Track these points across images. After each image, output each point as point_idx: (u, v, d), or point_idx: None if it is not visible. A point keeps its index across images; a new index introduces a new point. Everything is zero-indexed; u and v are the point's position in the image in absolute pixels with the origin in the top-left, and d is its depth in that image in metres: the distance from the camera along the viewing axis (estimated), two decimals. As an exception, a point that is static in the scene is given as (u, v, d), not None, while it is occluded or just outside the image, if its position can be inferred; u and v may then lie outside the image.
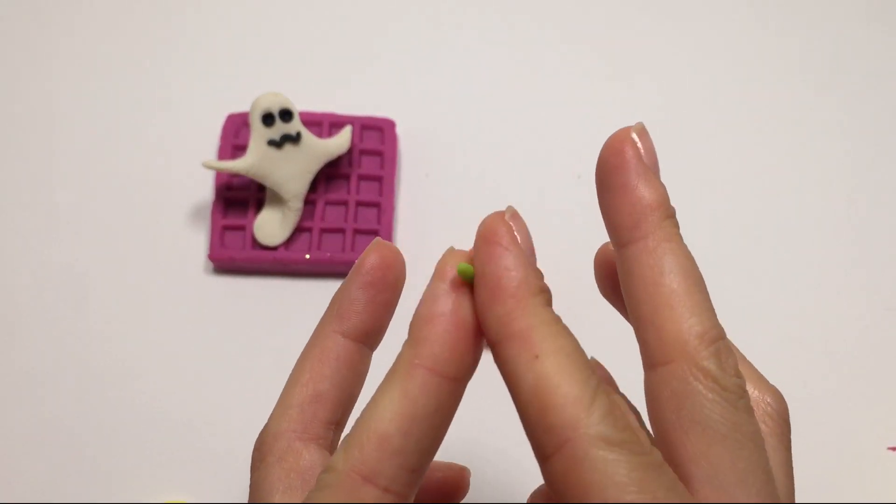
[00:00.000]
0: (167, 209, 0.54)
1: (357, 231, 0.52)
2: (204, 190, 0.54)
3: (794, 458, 0.48)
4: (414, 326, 0.25)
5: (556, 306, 0.54)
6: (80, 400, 0.49)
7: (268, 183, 0.51)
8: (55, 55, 0.59)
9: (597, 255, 0.29)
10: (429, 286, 0.26)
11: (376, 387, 0.26)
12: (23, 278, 0.52)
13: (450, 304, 0.25)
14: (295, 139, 0.51)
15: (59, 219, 0.54)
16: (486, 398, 0.51)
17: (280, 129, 0.51)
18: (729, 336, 0.55)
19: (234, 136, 0.55)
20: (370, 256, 0.28)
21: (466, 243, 0.53)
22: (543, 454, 0.23)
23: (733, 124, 0.58)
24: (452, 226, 0.54)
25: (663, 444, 0.24)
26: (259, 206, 0.53)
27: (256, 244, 0.52)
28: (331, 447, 0.27)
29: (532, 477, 0.27)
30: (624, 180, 0.26)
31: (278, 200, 0.52)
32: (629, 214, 0.26)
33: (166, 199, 0.54)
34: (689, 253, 0.26)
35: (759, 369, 0.51)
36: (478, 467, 0.48)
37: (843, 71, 0.60)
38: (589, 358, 0.32)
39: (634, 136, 0.27)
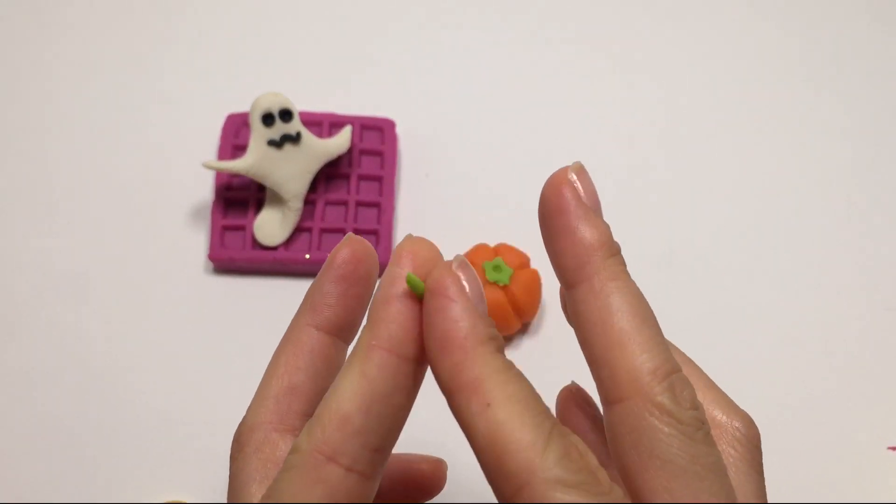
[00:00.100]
0: (167, 209, 0.54)
1: (357, 231, 0.52)
2: (204, 190, 0.54)
3: (793, 459, 0.48)
4: (371, 309, 0.26)
5: (558, 305, 0.54)
6: (80, 400, 0.49)
7: (268, 183, 0.51)
8: (55, 55, 0.59)
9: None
10: (386, 270, 0.26)
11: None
12: (23, 278, 0.52)
13: (405, 287, 0.25)
14: (295, 139, 0.51)
15: (59, 219, 0.54)
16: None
17: (280, 129, 0.51)
18: (729, 336, 0.55)
19: (234, 136, 0.55)
20: (342, 251, 0.28)
21: (467, 243, 0.53)
22: (503, 498, 0.23)
23: (733, 124, 0.58)
24: (452, 226, 0.54)
25: (626, 479, 0.25)
26: (259, 206, 0.53)
27: (256, 244, 0.52)
28: None
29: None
30: (565, 222, 0.27)
31: (278, 200, 0.52)
32: (573, 257, 0.26)
33: (166, 199, 0.54)
34: (636, 289, 0.26)
35: (760, 369, 0.51)
36: (460, 461, 0.48)
37: (843, 71, 0.60)
38: (570, 383, 0.32)
39: (573, 175, 0.27)
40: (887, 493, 0.48)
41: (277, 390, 0.28)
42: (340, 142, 0.53)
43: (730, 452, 0.27)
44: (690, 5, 0.62)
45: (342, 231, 0.52)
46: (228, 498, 0.27)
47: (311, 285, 0.29)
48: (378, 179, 0.54)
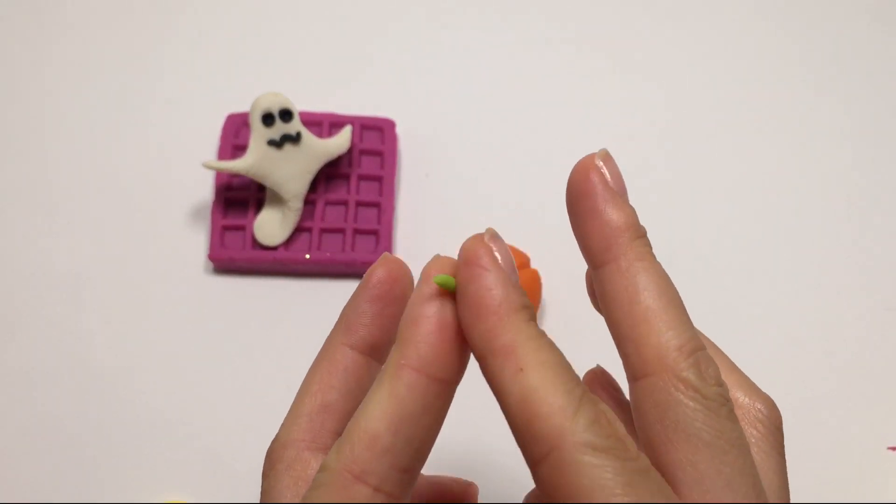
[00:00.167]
0: (167, 209, 0.54)
1: (357, 231, 0.52)
2: (204, 190, 0.54)
3: (793, 459, 0.48)
4: (401, 328, 0.26)
5: (558, 305, 0.54)
6: (79, 400, 0.49)
7: (268, 183, 0.51)
8: (55, 55, 0.59)
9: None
10: (415, 290, 0.27)
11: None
12: (22, 278, 0.52)
13: (435, 307, 0.26)
14: (295, 139, 0.51)
15: (59, 219, 0.54)
16: (481, 398, 0.51)
17: (280, 129, 0.51)
18: (729, 336, 0.55)
19: (234, 136, 0.55)
20: (377, 270, 0.29)
21: (466, 243, 0.53)
22: (533, 461, 0.24)
23: (734, 124, 0.58)
24: (452, 226, 0.54)
25: (650, 453, 0.25)
26: (259, 206, 0.53)
27: (256, 244, 0.52)
28: None
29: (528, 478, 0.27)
30: (592, 205, 0.27)
31: (278, 200, 0.52)
32: (600, 238, 0.27)
33: (166, 199, 0.54)
34: (662, 270, 0.27)
35: (760, 369, 0.51)
36: (475, 468, 0.48)
37: (843, 71, 0.60)
38: (595, 366, 0.32)
39: (599, 162, 0.28)
40: (887, 493, 0.48)
41: (310, 408, 0.28)
42: (340, 142, 0.53)
43: (751, 433, 0.28)
44: (690, 5, 0.62)
45: (342, 231, 0.52)
46: None
47: (346, 304, 0.29)
48: (378, 179, 0.54)
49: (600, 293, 0.27)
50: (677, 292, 0.27)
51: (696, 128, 0.58)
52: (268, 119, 0.50)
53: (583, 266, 0.56)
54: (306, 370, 0.50)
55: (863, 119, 0.58)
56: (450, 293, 0.26)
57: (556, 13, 0.61)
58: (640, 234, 0.27)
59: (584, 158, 0.28)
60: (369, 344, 0.29)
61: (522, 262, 0.50)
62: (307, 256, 0.52)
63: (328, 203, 0.53)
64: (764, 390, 0.51)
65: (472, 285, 0.25)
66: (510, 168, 0.56)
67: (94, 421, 0.49)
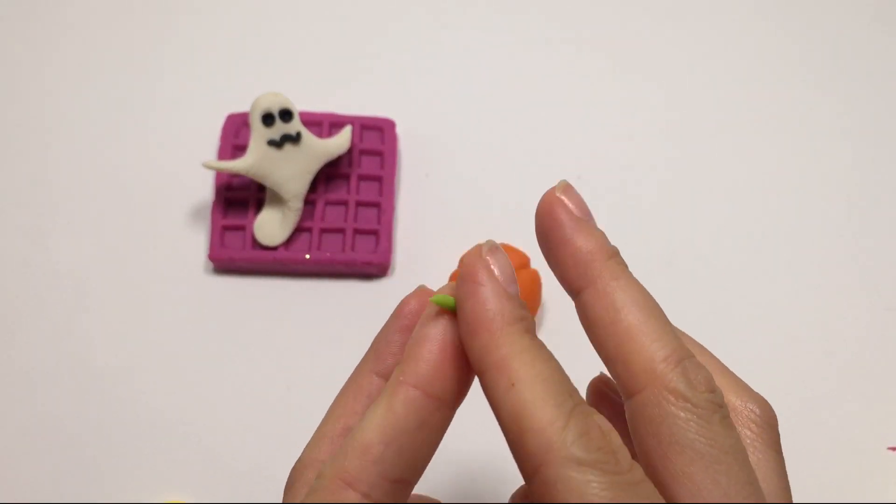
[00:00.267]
0: (167, 209, 0.54)
1: (357, 231, 0.52)
2: (204, 190, 0.54)
3: (794, 459, 0.48)
4: (406, 348, 0.27)
5: (558, 305, 0.54)
6: (79, 400, 0.49)
7: (268, 183, 0.51)
8: (54, 55, 0.59)
9: (589, 387, 0.32)
10: (424, 313, 0.27)
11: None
12: (23, 278, 0.52)
13: (439, 328, 0.26)
14: (295, 139, 0.51)
15: (59, 219, 0.54)
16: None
17: (280, 129, 0.51)
18: (729, 336, 0.55)
19: (234, 136, 0.55)
20: (411, 301, 0.30)
21: (467, 243, 0.53)
22: (525, 476, 0.24)
23: (734, 124, 0.58)
24: (452, 226, 0.54)
25: (648, 469, 0.25)
26: (259, 206, 0.53)
27: (256, 244, 0.52)
28: None
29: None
30: (561, 236, 0.28)
31: (278, 200, 0.52)
32: (574, 266, 0.27)
33: (166, 199, 0.54)
34: (638, 285, 0.27)
35: (760, 369, 0.51)
36: (465, 467, 0.48)
37: (843, 71, 0.60)
38: (599, 374, 0.32)
39: (560, 195, 0.29)
40: (887, 493, 0.48)
41: (333, 431, 0.29)
42: (340, 142, 0.53)
43: (746, 434, 0.28)
44: (691, 5, 0.62)
45: (342, 231, 0.52)
46: None
47: (378, 332, 0.30)
48: (378, 179, 0.54)
49: (583, 319, 0.27)
50: (657, 304, 0.27)
51: (696, 128, 0.58)
52: (268, 119, 0.50)
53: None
54: (306, 370, 0.50)
55: (863, 119, 0.58)
56: (452, 313, 0.26)
57: (556, 13, 0.61)
58: (612, 254, 0.28)
59: (545, 194, 0.29)
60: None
61: (522, 262, 0.50)
62: (307, 256, 0.52)
63: (328, 203, 0.53)
64: (764, 389, 0.51)
65: (468, 301, 0.26)
66: (510, 168, 0.56)
67: (94, 421, 0.49)
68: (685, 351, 0.26)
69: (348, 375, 0.52)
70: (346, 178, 0.54)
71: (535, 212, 0.28)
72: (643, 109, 0.58)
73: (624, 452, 0.24)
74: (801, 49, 0.61)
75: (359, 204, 0.53)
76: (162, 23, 0.60)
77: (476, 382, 0.27)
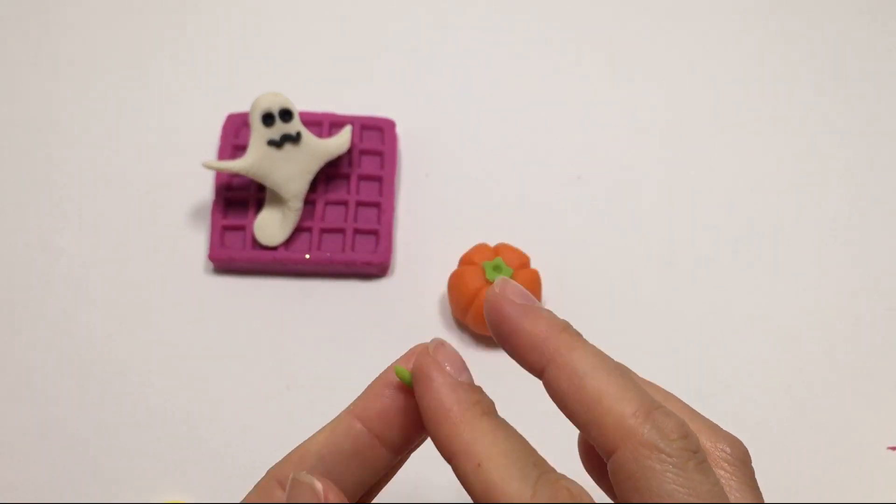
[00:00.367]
0: (167, 209, 0.54)
1: (357, 231, 0.52)
2: (204, 190, 0.54)
3: (794, 459, 0.48)
4: (370, 383, 0.30)
5: (558, 305, 0.54)
6: (79, 400, 0.49)
7: (268, 183, 0.51)
8: (54, 55, 0.59)
9: (578, 439, 0.33)
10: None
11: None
12: (23, 278, 0.52)
13: (396, 380, 0.29)
14: (295, 139, 0.51)
15: (59, 219, 0.54)
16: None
17: (280, 129, 0.51)
18: (729, 336, 0.55)
19: (234, 136, 0.55)
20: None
21: (467, 243, 0.53)
22: None
23: (734, 124, 0.58)
24: (452, 226, 0.54)
25: None
26: (259, 206, 0.53)
27: (256, 244, 0.52)
28: None
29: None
30: (511, 327, 0.29)
31: (278, 200, 0.52)
32: (531, 349, 0.29)
33: (166, 199, 0.54)
34: (595, 350, 0.29)
35: (760, 369, 0.51)
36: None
37: (843, 71, 0.60)
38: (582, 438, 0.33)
39: (499, 290, 0.30)
40: (887, 493, 0.48)
41: (299, 455, 0.30)
42: (340, 142, 0.53)
43: (721, 474, 0.28)
44: (691, 6, 0.62)
45: (342, 231, 0.52)
46: None
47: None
48: (378, 179, 0.54)
49: (552, 395, 0.28)
50: (617, 363, 0.28)
51: (696, 127, 0.58)
52: (268, 119, 0.50)
53: (582, 266, 0.56)
54: (306, 370, 0.50)
55: (863, 119, 0.58)
56: (409, 388, 0.29)
57: (556, 13, 0.61)
58: (563, 327, 0.29)
59: (486, 295, 0.30)
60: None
61: (522, 262, 0.50)
62: (307, 256, 0.52)
63: (328, 203, 0.53)
64: (764, 389, 0.52)
65: (425, 398, 0.28)
66: (510, 168, 0.56)
67: (94, 420, 0.49)
68: (652, 402, 0.27)
69: (348, 375, 0.52)
70: (346, 178, 0.54)
71: (485, 316, 0.30)
72: (643, 109, 0.58)
73: None
74: (802, 49, 0.61)
75: (359, 204, 0.53)
76: (162, 23, 0.60)
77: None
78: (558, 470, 0.27)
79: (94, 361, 0.50)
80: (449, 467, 0.27)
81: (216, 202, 0.53)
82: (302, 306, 0.52)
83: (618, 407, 0.26)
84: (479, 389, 0.28)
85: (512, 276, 0.49)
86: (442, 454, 0.27)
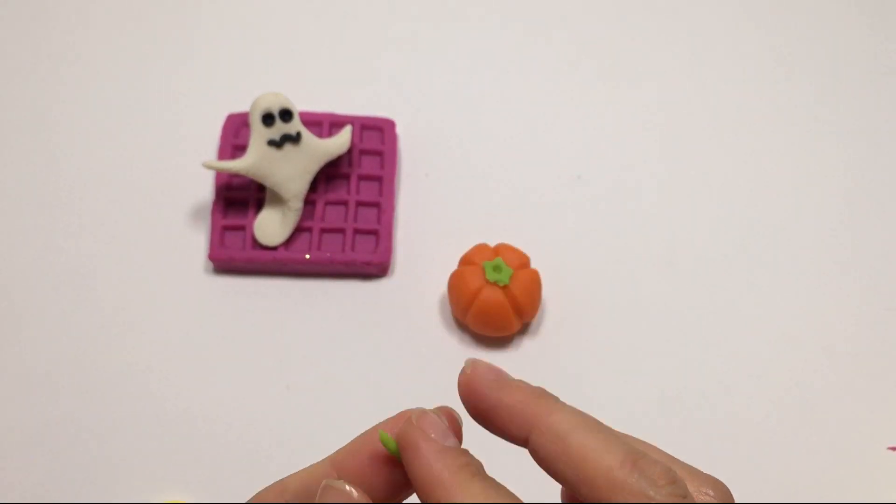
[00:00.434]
0: (167, 209, 0.54)
1: (357, 231, 0.52)
2: (204, 190, 0.54)
3: (794, 459, 0.48)
4: (357, 437, 0.31)
5: (558, 305, 0.54)
6: (79, 400, 0.49)
7: (268, 183, 0.51)
8: (55, 55, 0.59)
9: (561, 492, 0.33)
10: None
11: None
12: (23, 278, 0.52)
13: (377, 437, 0.30)
14: (295, 139, 0.51)
15: (60, 218, 0.54)
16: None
17: (280, 129, 0.51)
18: (729, 336, 0.55)
19: (234, 136, 0.55)
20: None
21: (467, 243, 0.53)
22: None
23: (734, 125, 0.58)
24: (452, 226, 0.54)
25: None
26: (259, 206, 0.53)
27: (256, 244, 0.52)
28: None
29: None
30: (489, 404, 0.30)
31: (278, 200, 0.52)
32: (512, 421, 0.29)
33: (166, 199, 0.54)
34: (572, 409, 0.29)
35: (760, 369, 0.51)
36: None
37: (842, 71, 0.60)
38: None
39: (471, 372, 0.31)
40: (887, 493, 0.48)
41: (276, 488, 0.31)
42: (340, 142, 0.53)
43: None
44: (692, 6, 0.62)
45: (342, 231, 0.52)
46: None
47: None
48: (378, 179, 0.54)
49: (539, 462, 0.29)
50: (596, 420, 0.29)
51: (696, 128, 0.58)
52: (268, 119, 0.50)
53: (582, 265, 0.56)
54: (306, 370, 0.50)
55: (863, 119, 0.58)
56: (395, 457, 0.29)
57: (556, 13, 0.61)
58: (539, 394, 0.30)
59: (459, 378, 0.31)
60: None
61: (522, 262, 0.50)
62: (307, 256, 0.52)
63: (328, 203, 0.53)
64: (764, 389, 0.52)
65: (414, 468, 0.28)
66: (510, 168, 0.56)
67: (94, 420, 0.49)
68: (637, 451, 0.27)
69: (348, 375, 0.53)
70: (346, 178, 0.54)
71: (460, 399, 0.31)
72: (643, 109, 0.58)
73: None
74: (801, 49, 0.61)
75: (359, 204, 0.53)
76: (162, 23, 0.60)
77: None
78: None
79: (94, 361, 0.50)
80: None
81: (216, 202, 0.53)
82: (302, 306, 0.52)
83: (604, 461, 0.27)
84: (466, 452, 0.29)
85: (512, 276, 0.49)
86: None
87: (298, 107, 0.52)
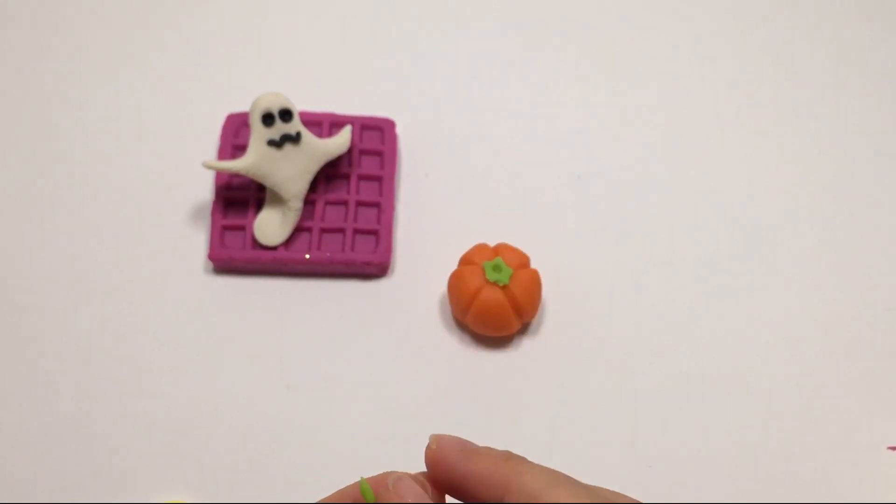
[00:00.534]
0: (167, 209, 0.54)
1: (357, 231, 0.52)
2: (204, 190, 0.54)
3: (794, 459, 0.48)
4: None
5: (558, 305, 0.54)
6: (79, 400, 0.49)
7: (268, 183, 0.51)
8: (55, 55, 0.59)
9: None
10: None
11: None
12: (23, 277, 0.52)
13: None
14: (295, 139, 0.51)
15: (60, 219, 0.54)
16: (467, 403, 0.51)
17: (280, 129, 0.51)
18: (729, 336, 0.54)
19: (234, 136, 0.55)
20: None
21: (467, 243, 0.53)
22: None
23: (734, 125, 0.58)
24: (452, 226, 0.54)
25: None
26: (259, 206, 0.53)
27: (256, 244, 0.52)
28: None
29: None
30: (459, 474, 0.31)
31: (278, 200, 0.52)
32: (486, 486, 0.30)
33: (166, 199, 0.54)
34: (541, 467, 0.30)
35: (760, 370, 0.51)
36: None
37: (841, 71, 0.60)
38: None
39: (436, 447, 0.31)
40: (887, 493, 0.48)
41: None
42: (340, 142, 0.53)
43: None
44: (692, 7, 0.62)
45: (342, 231, 0.52)
46: None
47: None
48: (378, 179, 0.54)
49: None
50: (565, 475, 0.30)
51: (696, 128, 0.58)
52: (268, 119, 0.50)
53: (581, 265, 0.56)
54: (306, 370, 0.50)
55: (863, 119, 0.58)
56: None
57: (556, 14, 0.61)
58: (506, 457, 0.31)
59: (426, 455, 0.32)
60: None
61: (522, 262, 0.50)
62: (307, 256, 0.52)
63: (328, 203, 0.53)
64: (765, 389, 0.52)
65: None
66: (510, 168, 0.56)
67: (94, 420, 0.49)
68: (605, 498, 0.29)
69: (348, 375, 0.53)
70: (346, 178, 0.54)
71: (428, 473, 0.32)
72: (643, 109, 0.58)
73: None
74: (800, 49, 0.61)
75: (359, 204, 0.53)
76: (162, 23, 0.60)
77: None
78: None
79: (94, 361, 0.50)
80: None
81: (216, 202, 0.53)
82: (302, 306, 0.52)
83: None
84: (442, 498, 0.30)
85: (512, 276, 0.49)
86: None
87: (298, 107, 0.52)
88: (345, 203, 0.53)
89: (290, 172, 0.51)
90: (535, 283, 0.50)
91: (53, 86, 0.58)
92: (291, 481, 0.47)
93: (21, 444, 0.48)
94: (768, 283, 0.53)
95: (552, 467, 0.30)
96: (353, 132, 0.54)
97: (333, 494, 0.32)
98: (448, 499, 0.32)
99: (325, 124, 0.55)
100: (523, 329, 0.51)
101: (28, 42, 0.59)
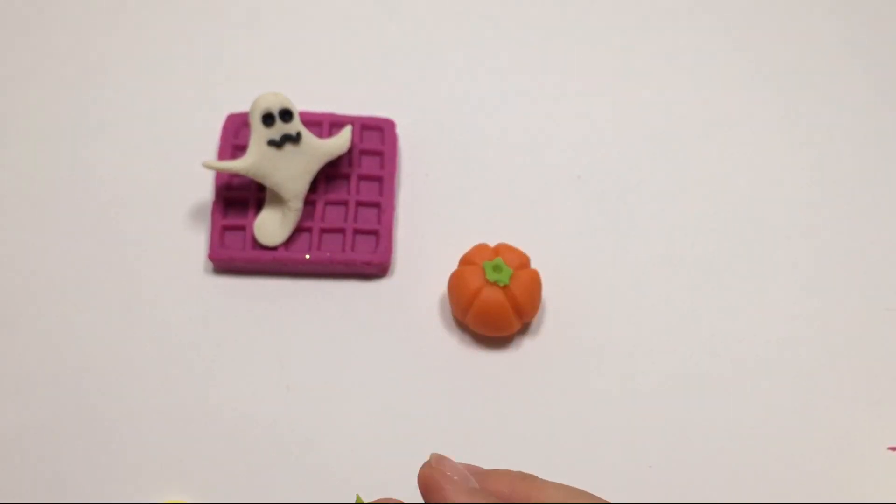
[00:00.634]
0: (167, 209, 0.54)
1: (357, 231, 0.52)
2: (204, 190, 0.54)
3: (794, 458, 0.48)
4: None
5: (558, 305, 0.54)
6: (79, 400, 0.49)
7: (268, 183, 0.51)
8: (54, 55, 0.59)
9: None
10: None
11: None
12: (22, 277, 0.52)
13: None
14: (295, 139, 0.51)
15: (59, 219, 0.54)
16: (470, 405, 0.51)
17: (280, 129, 0.51)
18: (729, 336, 0.54)
19: (234, 136, 0.55)
20: None
21: (467, 243, 0.53)
22: None
23: (734, 125, 0.58)
24: (452, 226, 0.54)
25: None
26: (259, 206, 0.53)
27: (256, 244, 0.52)
28: None
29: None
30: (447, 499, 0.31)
31: (278, 200, 0.52)
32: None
33: (166, 199, 0.54)
34: (555, 484, 0.31)
35: (760, 369, 0.51)
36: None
37: (843, 71, 0.60)
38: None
39: (434, 472, 0.31)
40: (887, 493, 0.48)
41: None
42: (340, 142, 0.53)
43: None
44: (692, 8, 0.62)
45: (342, 231, 0.52)
46: None
47: None
48: (378, 179, 0.54)
49: None
50: (581, 490, 0.31)
51: (696, 128, 0.58)
52: (268, 119, 0.50)
53: (582, 266, 0.56)
54: (306, 370, 0.50)
55: (862, 119, 0.58)
56: None
57: (556, 14, 0.61)
58: (522, 476, 0.31)
59: (421, 483, 0.32)
60: None
61: (522, 262, 0.50)
62: (307, 256, 0.52)
63: (328, 203, 0.53)
64: (765, 389, 0.52)
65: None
66: (510, 168, 0.56)
67: (94, 421, 0.49)
68: (586, 497, 0.30)
69: (348, 376, 0.53)
70: (346, 178, 0.54)
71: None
72: (643, 109, 0.58)
73: None
74: (799, 49, 0.61)
75: (359, 204, 0.53)
76: (162, 23, 0.60)
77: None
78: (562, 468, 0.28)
79: (93, 361, 0.50)
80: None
81: (216, 202, 0.53)
82: (302, 306, 0.52)
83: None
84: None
85: (512, 276, 0.49)
86: None
87: (298, 107, 0.52)
88: (345, 203, 0.53)
89: (290, 172, 0.51)
90: (535, 283, 0.50)
91: (53, 86, 0.58)
92: (291, 481, 0.47)
93: (21, 443, 0.48)
94: (768, 283, 0.53)
95: (552, 467, 0.31)
96: (353, 132, 0.54)
97: None
98: None
99: (325, 124, 0.55)
100: (523, 329, 0.51)
101: (28, 43, 0.59)
